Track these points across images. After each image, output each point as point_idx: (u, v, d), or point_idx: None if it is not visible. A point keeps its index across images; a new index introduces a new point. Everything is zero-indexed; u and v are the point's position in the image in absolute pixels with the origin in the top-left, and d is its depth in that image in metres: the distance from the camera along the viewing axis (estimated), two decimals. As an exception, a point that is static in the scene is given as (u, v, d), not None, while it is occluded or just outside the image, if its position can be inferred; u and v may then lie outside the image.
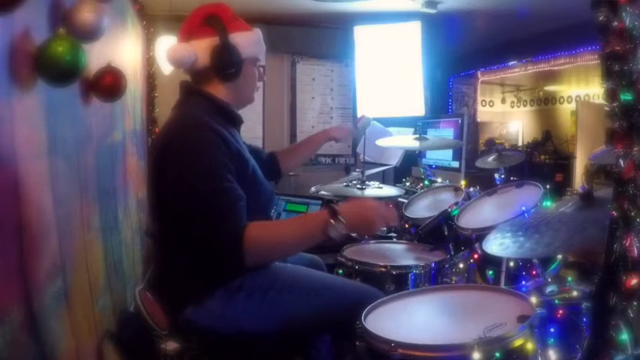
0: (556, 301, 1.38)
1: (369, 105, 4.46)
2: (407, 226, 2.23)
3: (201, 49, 1.42)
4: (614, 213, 0.87)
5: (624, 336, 0.85)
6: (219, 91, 1.47)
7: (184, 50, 1.43)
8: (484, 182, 2.75)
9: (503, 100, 7.10)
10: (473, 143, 5.60)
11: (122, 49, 2.38)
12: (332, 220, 1.27)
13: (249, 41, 1.47)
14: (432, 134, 3.51)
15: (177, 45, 1.46)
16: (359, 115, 2.51)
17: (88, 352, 1.40)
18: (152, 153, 1.42)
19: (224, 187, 1.28)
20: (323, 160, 4.96)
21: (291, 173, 4.66)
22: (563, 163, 5.13)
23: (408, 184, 3.71)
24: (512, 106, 7.11)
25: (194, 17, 1.45)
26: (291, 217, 2.42)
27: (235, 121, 1.51)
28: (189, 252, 1.32)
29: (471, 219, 1.85)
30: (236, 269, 1.32)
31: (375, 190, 2.55)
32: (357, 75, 4.56)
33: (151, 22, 3.56)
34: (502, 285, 1.62)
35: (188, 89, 1.50)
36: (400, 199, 2.63)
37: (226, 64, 1.42)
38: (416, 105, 4.25)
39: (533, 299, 1.21)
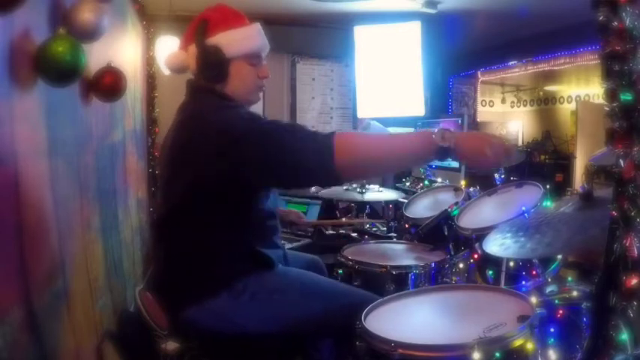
0: (556, 301, 1.38)
1: (369, 105, 4.46)
2: (407, 226, 2.23)
3: (190, 55, 1.45)
4: (614, 213, 0.87)
5: (624, 336, 0.85)
6: (221, 89, 1.46)
7: (177, 58, 1.51)
8: (484, 182, 2.74)
9: (503, 100, 7.09)
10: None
11: (122, 49, 2.38)
12: (437, 131, 1.20)
13: (235, 39, 1.44)
14: (432, 134, 3.50)
15: (172, 53, 1.54)
16: (359, 116, 2.52)
17: (88, 352, 1.40)
18: (165, 155, 1.41)
19: (279, 121, 1.34)
20: (323, 160, 4.96)
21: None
22: (563, 163, 5.11)
23: (408, 184, 3.71)
24: (512, 106, 7.10)
25: (191, 24, 1.47)
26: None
27: None
28: (216, 235, 1.34)
29: (471, 219, 1.85)
30: (331, 180, 1.30)
31: (375, 194, 2.56)
32: (357, 75, 4.56)
33: (151, 22, 3.56)
34: (502, 285, 1.62)
35: (195, 87, 1.49)
36: (400, 199, 2.63)
37: (207, 67, 1.43)
38: (416, 105, 4.25)
39: (533, 299, 1.21)
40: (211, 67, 1.42)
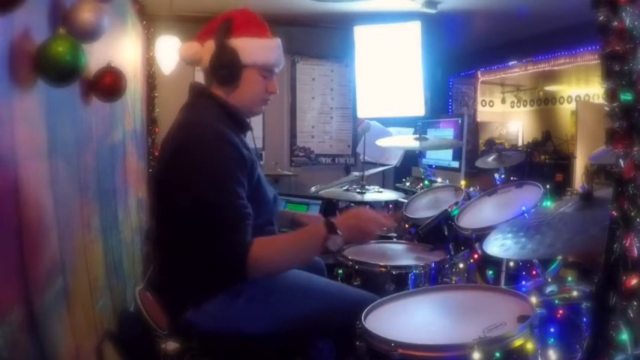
0: (556, 301, 1.38)
1: (369, 105, 4.46)
2: (407, 226, 2.23)
3: (206, 50, 1.43)
4: (614, 213, 0.87)
5: (624, 336, 0.85)
6: (222, 94, 1.45)
7: (191, 48, 1.47)
8: (484, 182, 2.74)
9: (503, 100, 7.09)
10: (473, 143, 5.60)
11: (122, 49, 2.38)
12: (331, 236, 1.33)
13: (254, 47, 1.43)
14: (432, 134, 3.51)
15: (187, 43, 1.50)
16: (359, 116, 2.51)
17: (88, 352, 1.40)
18: (160, 156, 1.42)
19: (234, 202, 1.29)
20: (323, 160, 4.96)
21: (290, 173, 4.67)
22: (563, 163, 5.12)
23: (408, 184, 3.71)
24: (512, 106, 7.10)
25: (214, 20, 1.46)
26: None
27: (243, 128, 1.49)
28: (192, 257, 1.33)
29: (471, 219, 1.85)
30: (237, 281, 1.34)
31: (375, 194, 2.56)
32: (357, 75, 4.56)
33: (150, 22, 3.57)
34: (502, 285, 1.62)
35: (198, 91, 1.48)
36: (400, 199, 2.63)
37: (220, 66, 1.41)
38: (416, 105, 4.26)
39: (533, 299, 1.21)
40: (224, 68, 1.41)
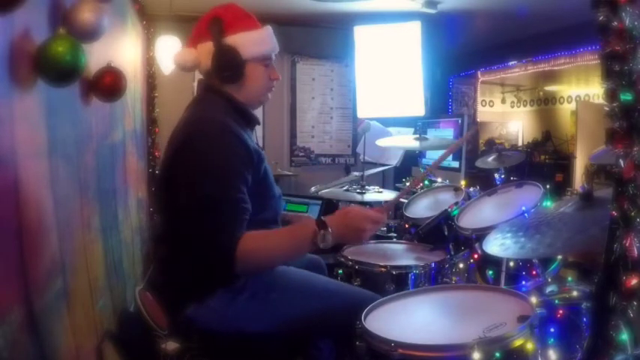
0: (556, 301, 1.38)
1: (369, 105, 4.46)
2: (407, 226, 2.23)
3: (203, 53, 1.43)
4: (614, 213, 0.87)
5: (624, 336, 0.85)
6: (229, 92, 1.46)
7: (187, 55, 1.46)
8: (484, 182, 2.74)
9: (503, 100, 7.10)
10: (473, 143, 5.60)
11: (122, 49, 2.38)
12: (320, 231, 1.31)
13: (251, 41, 1.44)
14: (432, 134, 3.51)
15: (182, 50, 1.49)
16: (359, 116, 2.52)
17: (88, 352, 1.40)
18: (166, 153, 1.42)
19: (233, 196, 1.29)
20: (323, 160, 4.96)
21: (290, 173, 4.67)
22: (563, 163, 5.12)
23: (408, 184, 3.71)
24: (512, 106, 7.10)
25: (201, 21, 1.46)
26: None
27: (251, 123, 1.51)
28: (191, 254, 1.33)
29: (471, 219, 1.85)
30: (226, 275, 1.33)
31: (375, 194, 2.56)
32: (357, 75, 4.56)
33: (150, 22, 3.57)
34: (502, 285, 1.62)
35: (207, 87, 1.49)
36: (400, 199, 2.63)
37: (223, 67, 1.41)
38: (416, 105, 4.25)
39: (533, 299, 1.21)
40: (228, 68, 1.41)
